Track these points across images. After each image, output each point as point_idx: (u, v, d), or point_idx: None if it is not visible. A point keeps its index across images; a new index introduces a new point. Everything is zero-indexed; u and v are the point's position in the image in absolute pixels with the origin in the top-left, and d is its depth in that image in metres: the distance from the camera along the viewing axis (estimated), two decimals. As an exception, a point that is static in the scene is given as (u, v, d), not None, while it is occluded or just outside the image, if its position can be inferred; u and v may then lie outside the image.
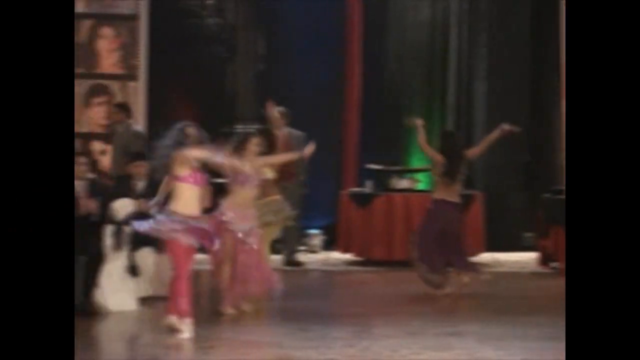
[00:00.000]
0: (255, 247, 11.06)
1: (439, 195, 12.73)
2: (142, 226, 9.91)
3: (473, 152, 13.17)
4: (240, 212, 10.99)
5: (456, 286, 12.61)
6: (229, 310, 11.11)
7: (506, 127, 12.97)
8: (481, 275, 12.89)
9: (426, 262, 12.65)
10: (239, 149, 11.00)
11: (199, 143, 9.90)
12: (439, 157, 12.70)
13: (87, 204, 11.27)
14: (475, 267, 13.12)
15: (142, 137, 15.26)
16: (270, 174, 11.97)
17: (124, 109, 15.39)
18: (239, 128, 16.37)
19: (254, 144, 11.11)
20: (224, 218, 10.91)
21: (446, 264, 12.74)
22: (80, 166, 11.56)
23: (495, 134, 13.05)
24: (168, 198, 10.09)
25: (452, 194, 12.69)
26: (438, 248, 12.64)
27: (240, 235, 10.92)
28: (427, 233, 12.69)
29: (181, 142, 9.77)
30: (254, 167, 11.02)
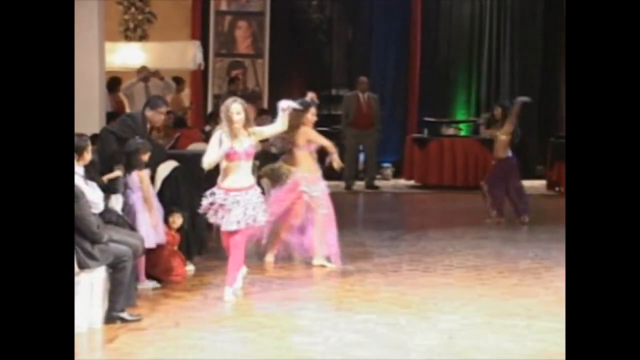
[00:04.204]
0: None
1: (503, 154, 11.50)
2: None
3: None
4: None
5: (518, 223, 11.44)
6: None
7: (521, 98, 11.80)
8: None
9: (496, 208, 11.53)
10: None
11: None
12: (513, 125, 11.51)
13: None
14: (529, 209, 11.67)
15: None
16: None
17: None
18: (333, 91, 16.49)
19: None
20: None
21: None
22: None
23: (517, 107, 11.65)
24: None
25: (509, 151, 11.56)
26: (504, 196, 11.56)
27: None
28: (495, 185, 11.55)
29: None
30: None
